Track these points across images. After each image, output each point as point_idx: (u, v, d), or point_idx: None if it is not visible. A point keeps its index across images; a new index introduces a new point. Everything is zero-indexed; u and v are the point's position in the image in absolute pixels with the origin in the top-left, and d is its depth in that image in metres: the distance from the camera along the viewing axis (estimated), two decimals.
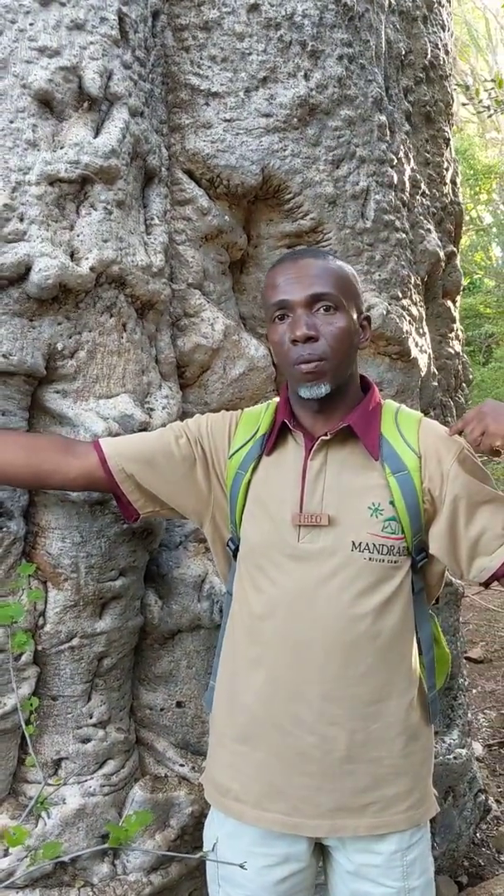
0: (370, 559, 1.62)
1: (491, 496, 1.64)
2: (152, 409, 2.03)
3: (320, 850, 1.74)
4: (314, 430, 1.70)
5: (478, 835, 3.36)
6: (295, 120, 2.26)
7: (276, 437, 1.74)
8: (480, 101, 6.63)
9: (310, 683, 1.64)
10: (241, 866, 1.54)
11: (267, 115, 2.22)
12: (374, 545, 1.62)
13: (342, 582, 1.62)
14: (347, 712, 1.63)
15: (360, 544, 1.62)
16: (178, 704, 2.25)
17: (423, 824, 1.71)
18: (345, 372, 1.66)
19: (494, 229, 14.00)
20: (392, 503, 1.64)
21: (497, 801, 3.62)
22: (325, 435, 1.66)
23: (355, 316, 1.66)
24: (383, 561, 1.63)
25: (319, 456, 1.68)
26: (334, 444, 1.67)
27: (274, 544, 1.69)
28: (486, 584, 1.68)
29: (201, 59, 2.19)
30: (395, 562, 1.64)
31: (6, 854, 1.79)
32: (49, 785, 1.86)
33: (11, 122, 1.76)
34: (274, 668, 1.67)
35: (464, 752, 3.09)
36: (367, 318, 1.74)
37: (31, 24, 1.80)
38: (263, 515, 1.72)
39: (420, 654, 1.72)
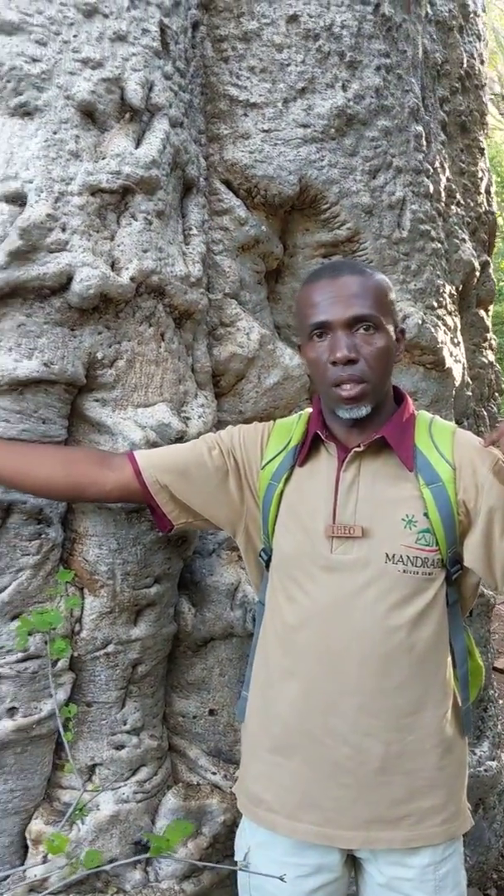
0: (404, 571, 1.61)
1: None
2: (188, 418, 2.04)
3: (352, 861, 1.74)
4: (347, 442, 1.69)
5: None
6: (332, 130, 2.27)
7: (308, 448, 1.73)
8: None
9: (345, 695, 1.63)
10: (281, 879, 1.53)
11: (305, 126, 2.23)
12: (408, 557, 1.61)
13: (376, 594, 1.61)
14: (383, 724, 1.62)
15: (393, 556, 1.61)
16: (211, 712, 2.25)
17: (457, 838, 1.70)
18: (384, 390, 1.66)
19: None
20: (426, 515, 1.62)
21: None
22: (359, 446, 1.65)
23: (392, 331, 1.65)
24: (417, 573, 1.61)
25: (352, 467, 1.67)
26: (367, 455, 1.66)
27: (307, 555, 1.68)
28: None
29: (240, 69, 2.21)
30: (429, 574, 1.62)
31: (45, 860, 1.80)
32: (87, 792, 1.86)
33: (55, 133, 1.78)
34: (308, 679, 1.67)
35: (494, 764, 3.06)
36: (403, 331, 1.73)
37: (74, 36, 1.81)
38: (296, 526, 1.72)
39: (454, 666, 1.70)
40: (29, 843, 1.96)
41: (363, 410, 1.60)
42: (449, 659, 1.69)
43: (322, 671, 1.65)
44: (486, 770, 2.99)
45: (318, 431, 1.71)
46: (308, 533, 1.68)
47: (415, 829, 1.63)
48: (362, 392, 1.58)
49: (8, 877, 1.91)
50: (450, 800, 1.67)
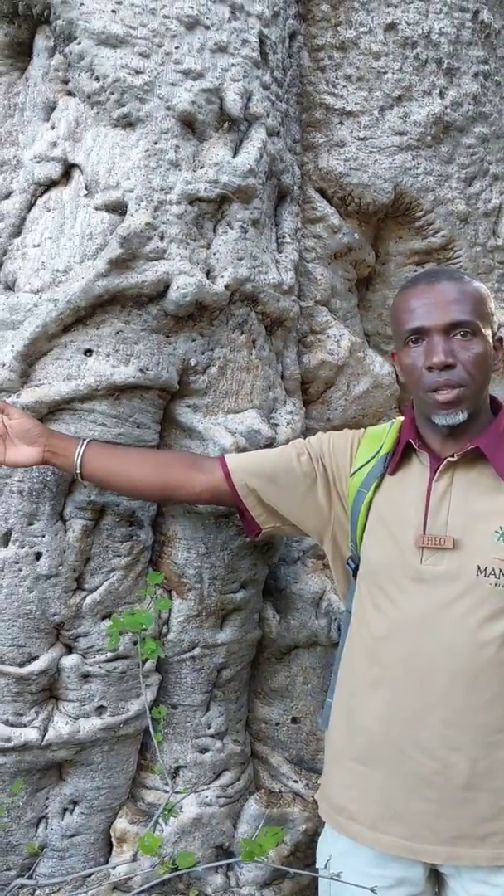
0: (496, 584, 1.56)
1: None
2: (277, 425, 2.05)
3: (436, 877, 1.70)
4: (441, 452, 1.65)
5: None
6: (429, 138, 2.25)
7: (400, 456, 1.70)
8: None
9: (432, 708, 1.59)
10: (373, 890, 1.51)
11: (401, 134, 2.22)
12: (501, 571, 1.56)
13: (467, 607, 1.57)
14: (471, 739, 1.58)
15: (485, 569, 1.56)
16: (294, 720, 2.25)
17: None
18: (481, 397, 1.62)
19: None
20: None
21: None
22: (452, 456, 1.62)
23: (491, 339, 1.61)
24: None
25: (445, 477, 1.63)
26: (461, 466, 1.62)
27: (396, 565, 1.65)
28: None
29: (336, 78, 2.21)
30: None
31: (134, 858, 1.83)
32: (176, 793, 1.88)
33: (156, 143, 1.81)
34: (394, 691, 1.64)
35: None
36: (500, 339, 1.67)
37: (176, 48, 1.84)
38: (386, 535, 1.69)
39: None
40: (113, 840, 1.99)
41: (460, 416, 1.57)
42: None
43: (409, 683, 1.62)
44: None
45: (411, 440, 1.68)
46: (397, 543, 1.65)
47: (501, 847, 1.57)
48: (459, 397, 1.55)
49: (93, 874, 1.95)
50: None
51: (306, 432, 2.24)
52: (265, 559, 2.11)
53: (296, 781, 2.19)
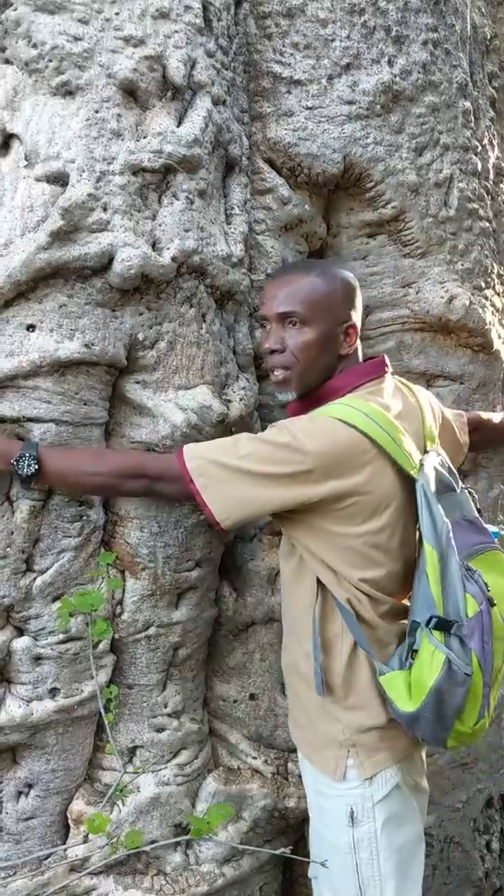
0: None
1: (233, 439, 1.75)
2: (230, 401, 2.02)
3: None
4: None
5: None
6: (378, 107, 2.22)
7: None
8: None
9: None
10: (323, 864, 1.54)
11: (350, 103, 2.18)
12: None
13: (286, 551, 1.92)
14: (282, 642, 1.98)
15: None
16: (252, 697, 2.24)
17: (338, 784, 1.76)
18: (313, 378, 1.80)
19: None
20: None
21: None
22: None
23: (328, 328, 1.77)
24: None
25: None
26: None
27: None
28: None
29: (284, 46, 2.16)
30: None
31: (86, 840, 1.81)
32: (128, 773, 1.87)
33: (97, 111, 1.76)
34: None
35: None
36: (353, 326, 1.82)
37: (116, 14, 1.79)
38: None
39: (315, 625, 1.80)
40: (70, 823, 1.97)
41: (290, 395, 1.81)
42: (308, 608, 1.79)
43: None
44: None
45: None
46: None
47: (301, 741, 1.91)
48: (285, 378, 1.79)
49: (49, 856, 1.93)
50: (311, 732, 1.84)
51: (260, 408, 2.22)
52: (221, 537, 2.09)
53: (254, 758, 2.19)
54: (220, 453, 1.68)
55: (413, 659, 1.65)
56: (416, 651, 1.64)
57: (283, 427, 1.69)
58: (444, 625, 1.60)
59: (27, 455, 1.68)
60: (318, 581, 1.74)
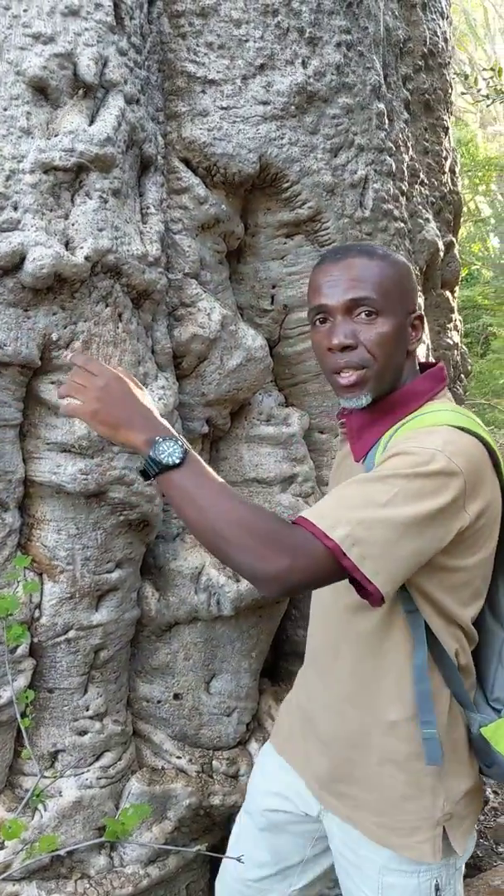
0: None
1: (385, 485, 1.35)
2: None
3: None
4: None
5: (476, 826, 3.36)
6: (293, 108, 2.24)
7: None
8: (479, 91, 6.59)
9: (315, 663, 1.73)
10: (239, 859, 1.53)
11: (264, 103, 2.20)
12: None
13: (335, 589, 1.50)
14: (330, 701, 1.64)
15: None
16: (176, 696, 2.24)
17: (411, 860, 1.55)
18: (388, 379, 1.52)
19: (493, 220, 13.94)
20: None
21: (495, 793, 3.62)
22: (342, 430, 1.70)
23: (402, 318, 1.51)
24: None
25: (345, 447, 1.70)
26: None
27: None
28: None
29: (198, 45, 2.16)
30: None
31: (2, 847, 1.78)
32: (45, 777, 1.85)
33: (5, 109, 1.74)
34: (309, 650, 1.78)
35: None
36: (420, 317, 1.58)
37: (24, 10, 1.77)
38: None
39: (413, 682, 1.53)
40: None
41: (363, 399, 1.50)
42: (403, 670, 1.51)
43: (314, 646, 1.74)
44: None
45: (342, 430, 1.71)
46: None
47: (353, 811, 1.59)
48: (360, 379, 1.48)
49: None
50: (391, 811, 1.55)
51: (180, 407, 2.22)
52: (141, 537, 2.09)
53: (179, 757, 2.19)
54: (360, 508, 1.32)
55: None
56: None
57: (416, 449, 1.36)
58: None
59: (176, 441, 1.37)
60: (427, 630, 1.46)
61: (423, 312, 1.61)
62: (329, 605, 1.60)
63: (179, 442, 1.37)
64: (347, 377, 1.48)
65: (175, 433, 1.41)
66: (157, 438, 1.36)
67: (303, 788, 1.72)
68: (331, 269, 1.51)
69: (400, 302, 1.51)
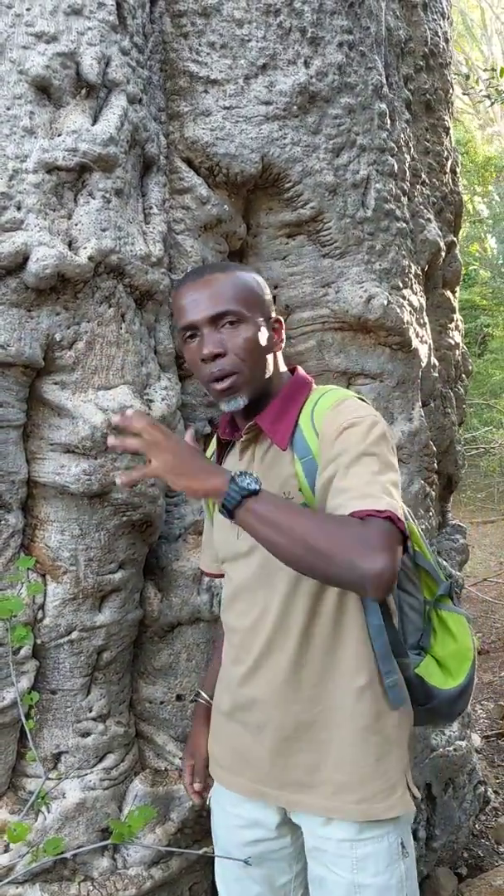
0: None
1: (372, 455, 1.51)
2: (151, 401, 2.01)
3: (292, 827, 1.75)
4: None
5: (477, 826, 3.36)
6: (295, 108, 2.23)
7: (220, 446, 1.80)
8: (479, 91, 6.58)
9: (260, 667, 1.68)
10: (246, 861, 1.53)
11: (266, 103, 2.20)
12: None
13: (275, 574, 1.63)
14: (293, 694, 1.65)
15: None
16: (178, 698, 2.23)
17: (383, 820, 1.61)
18: (259, 378, 1.65)
19: (490, 221, 13.96)
20: (301, 490, 1.62)
21: (496, 793, 3.62)
22: (242, 436, 1.70)
23: (262, 322, 1.65)
24: None
25: (246, 455, 1.72)
26: (259, 440, 1.70)
27: (223, 544, 1.78)
28: None
29: (200, 45, 2.16)
30: None
31: (6, 850, 1.78)
32: (49, 779, 1.84)
33: (8, 108, 1.73)
34: (237, 652, 1.73)
35: (463, 743, 3.08)
36: (278, 320, 1.72)
37: (27, 10, 1.77)
38: (217, 518, 1.79)
39: (370, 639, 1.65)
40: None
41: (240, 401, 1.62)
42: (360, 634, 1.64)
43: (243, 646, 1.72)
44: (455, 750, 3.01)
45: (219, 432, 1.79)
46: (222, 523, 1.74)
47: (331, 799, 1.63)
48: (234, 384, 1.60)
49: None
50: (369, 779, 1.62)
51: (183, 408, 2.21)
52: (144, 538, 2.08)
53: (181, 759, 2.18)
54: (374, 483, 1.45)
55: (432, 638, 1.64)
56: (432, 629, 1.62)
57: (360, 418, 1.54)
58: (451, 590, 1.58)
59: (248, 474, 1.46)
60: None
61: (280, 317, 1.73)
62: (285, 594, 1.63)
63: (250, 472, 1.49)
64: (223, 384, 1.60)
65: (241, 471, 1.50)
66: (232, 475, 1.46)
67: (261, 808, 1.73)
68: (191, 290, 1.63)
69: (258, 308, 1.65)
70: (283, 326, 1.74)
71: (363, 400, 1.65)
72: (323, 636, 1.63)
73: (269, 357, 1.68)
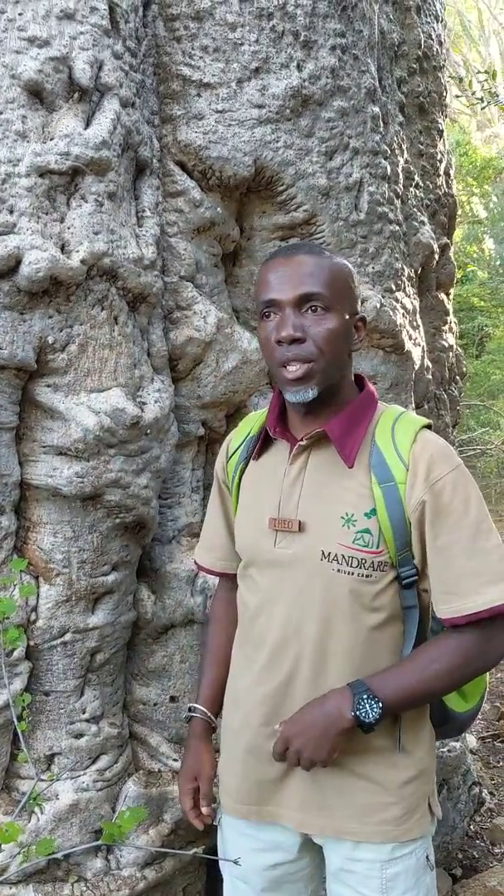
0: (338, 570, 1.55)
1: (469, 529, 1.51)
2: (144, 403, 2.01)
3: (313, 848, 1.71)
4: (298, 434, 1.64)
5: (472, 827, 3.36)
6: (287, 111, 2.24)
7: (262, 441, 1.70)
8: (474, 93, 6.60)
9: (283, 687, 1.62)
10: (236, 862, 1.53)
11: (259, 107, 2.20)
12: (344, 556, 1.54)
13: (314, 591, 1.57)
14: None
15: (329, 554, 1.55)
16: (172, 699, 2.24)
17: (410, 840, 1.60)
18: (334, 375, 1.56)
19: (488, 222, 13.96)
20: (369, 514, 1.54)
21: (491, 794, 3.63)
22: (303, 440, 1.61)
23: (348, 317, 1.56)
24: (353, 574, 1.54)
25: (299, 460, 1.62)
26: (317, 448, 1.61)
27: (256, 547, 1.67)
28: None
29: (193, 49, 2.17)
30: (367, 576, 1.54)
31: None
32: (42, 781, 1.85)
33: (1, 113, 1.74)
34: (258, 671, 1.66)
35: (458, 745, 3.09)
36: (363, 319, 1.63)
37: (20, 14, 1.78)
38: (247, 518, 1.71)
39: None
40: None
41: (310, 393, 1.52)
42: (393, 659, 1.59)
43: (265, 665, 1.64)
44: (449, 751, 3.01)
45: (269, 427, 1.67)
46: (257, 526, 1.66)
47: (348, 822, 1.59)
48: (308, 372, 1.51)
49: None
50: (401, 800, 1.59)
51: (176, 410, 2.22)
52: (138, 540, 2.09)
53: (175, 760, 2.19)
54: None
55: None
56: None
57: (453, 467, 1.54)
58: None
59: (364, 695, 1.47)
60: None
61: (365, 317, 1.66)
62: (333, 611, 1.57)
63: (360, 691, 1.48)
64: (295, 371, 1.51)
65: (348, 688, 1.51)
66: (350, 714, 1.48)
67: (281, 831, 1.68)
68: (281, 266, 1.55)
69: (347, 301, 1.56)
70: (366, 327, 1.65)
71: (429, 427, 1.63)
72: (364, 657, 1.57)
73: (347, 357, 1.60)
